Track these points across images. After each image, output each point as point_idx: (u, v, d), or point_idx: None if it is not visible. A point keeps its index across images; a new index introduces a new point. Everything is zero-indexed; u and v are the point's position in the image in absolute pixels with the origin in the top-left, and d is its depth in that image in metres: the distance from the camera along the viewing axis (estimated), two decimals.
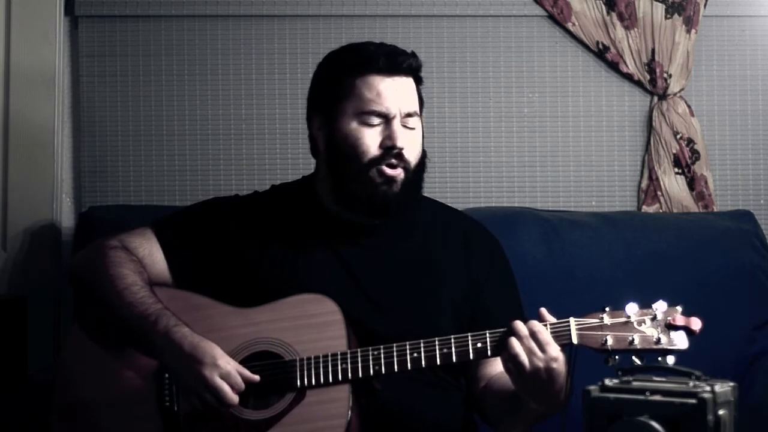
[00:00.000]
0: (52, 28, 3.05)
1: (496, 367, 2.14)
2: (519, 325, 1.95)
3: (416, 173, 2.17)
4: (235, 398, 1.99)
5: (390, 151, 2.12)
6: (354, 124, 2.14)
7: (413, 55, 2.18)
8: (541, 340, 1.92)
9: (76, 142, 3.13)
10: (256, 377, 2.01)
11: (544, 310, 1.98)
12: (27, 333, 2.90)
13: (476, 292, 2.20)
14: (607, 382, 1.52)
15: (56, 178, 3.06)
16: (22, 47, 3.04)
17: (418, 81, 2.20)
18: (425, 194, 2.34)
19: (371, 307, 2.13)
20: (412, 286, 2.17)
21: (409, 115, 2.15)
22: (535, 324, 1.95)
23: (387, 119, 2.13)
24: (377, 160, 2.13)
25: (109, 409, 2.08)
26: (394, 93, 2.13)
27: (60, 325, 3.01)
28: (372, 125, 2.13)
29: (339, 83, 2.17)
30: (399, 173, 2.13)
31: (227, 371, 1.99)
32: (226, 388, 1.98)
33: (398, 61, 2.14)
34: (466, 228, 2.29)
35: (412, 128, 2.15)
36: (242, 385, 1.99)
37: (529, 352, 1.92)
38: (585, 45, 3.14)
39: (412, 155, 2.15)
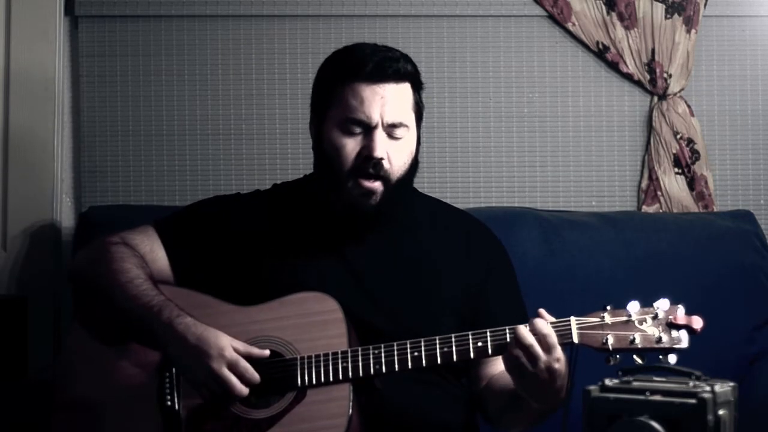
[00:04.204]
0: (52, 28, 3.05)
1: (497, 366, 2.14)
2: (523, 330, 1.93)
3: (399, 185, 2.13)
4: (244, 389, 1.99)
5: (368, 161, 2.09)
6: (337, 132, 2.12)
7: (405, 59, 2.14)
8: (549, 344, 1.91)
9: (76, 142, 3.13)
10: (266, 352, 2.00)
11: (543, 311, 1.97)
12: (27, 333, 2.90)
13: (477, 292, 2.20)
14: (607, 382, 1.52)
15: (56, 178, 3.06)
16: (22, 47, 3.04)
17: (416, 86, 2.16)
18: (427, 194, 2.34)
19: (372, 305, 2.13)
20: (413, 285, 2.17)
21: (394, 125, 2.10)
22: (544, 326, 1.93)
23: (368, 128, 2.10)
24: (355, 170, 2.10)
25: (110, 407, 2.08)
26: (378, 101, 2.09)
27: (60, 325, 3.01)
28: (353, 134, 2.11)
29: (330, 88, 2.15)
30: (377, 186, 2.10)
31: (234, 360, 1.99)
32: (233, 379, 1.98)
33: (385, 68, 2.10)
34: (468, 228, 2.28)
35: (398, 138, 2.12)
36: (252, 374, 1.99)
37: (532, 357, 1.91)
38: (585, 45, 3.14)
39: (394, 166, 2.11)
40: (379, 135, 2.10)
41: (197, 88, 3.13)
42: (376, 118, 2.09)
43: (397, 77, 2.12)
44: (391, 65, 2.11)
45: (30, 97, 3.04)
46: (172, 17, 3.12)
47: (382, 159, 2.09)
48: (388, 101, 2.10)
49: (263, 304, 2.09)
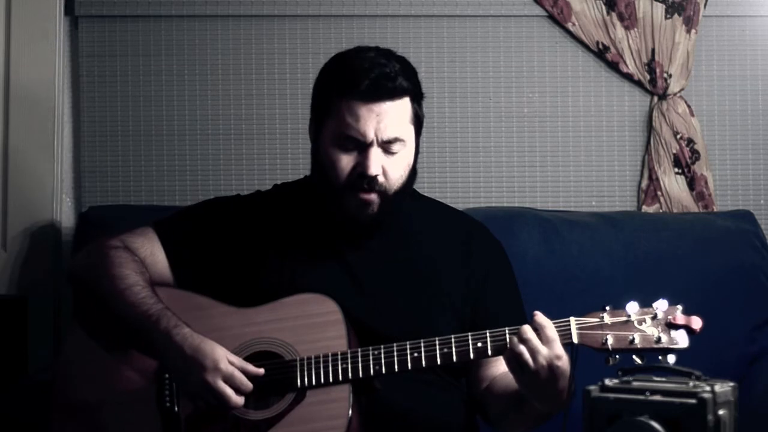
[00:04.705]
0: (52, 28, 3.05)
1: (498, 367, 2.14)
2: (525, 326, 1.94)
3: (397, 195, 2.13)
4: (239, 400, 1.99)
5: (362, 177, 2.08)
6: (332, 146, 2.11)
7: (403, 74, 2.10)
8: (548, 335, 1.92)
9: (76, 142, 3.14)
10: (261, 370, 2.01)
11: (539, 313, 1.97)
12: (27, 333, 2.90)
13: (476, 293, 2.20)
14: (607, 382, 1.52)
15: (56, 178, 3.06)
16: (22, 47, 3.04)
17: (416, 98, 2.14)
18: (426, 194, 2.34)
19: (371, 307, 2.13)
20: (413, 288, 2.17)
21: (389, 141, 2.09)
22: (542, 319, 1.94)
23: (363, 145, 2.08)
24: (350, 186, 2.10)
25: (109, 409, 2.08)
26: (374, 119, 2.07)
27: (60, 325, 3.01)
28: (348, 150, 2.10)
29: (327, 98, 2.14)
30: (374, 197, 2.10)
31: (230, 373, 1.98)
32: (228, 391, 1.98)
33: (380, 86, 2.07)
34: (468, 229, 2.28)
35: (394, 153, 2.10)
36: (247, 385, 1.99)
37: (533, 351, 1.92)
38: (585, 45, 3.14)
39: (391, 180, 2.11)
40: (374, 152, 2.08)
41: (197, 88, 3.13)
42: (371, 135, 2.08)
43: (393, 94, 2.09)
44: (388, 83, 2.08)
45: (30, 97, 3.04)
46: (172, 17, 3.12)
47: (376, 176, 2.09)
48: (383, 118, 2.08)
49: (263, 306, 2.09)
